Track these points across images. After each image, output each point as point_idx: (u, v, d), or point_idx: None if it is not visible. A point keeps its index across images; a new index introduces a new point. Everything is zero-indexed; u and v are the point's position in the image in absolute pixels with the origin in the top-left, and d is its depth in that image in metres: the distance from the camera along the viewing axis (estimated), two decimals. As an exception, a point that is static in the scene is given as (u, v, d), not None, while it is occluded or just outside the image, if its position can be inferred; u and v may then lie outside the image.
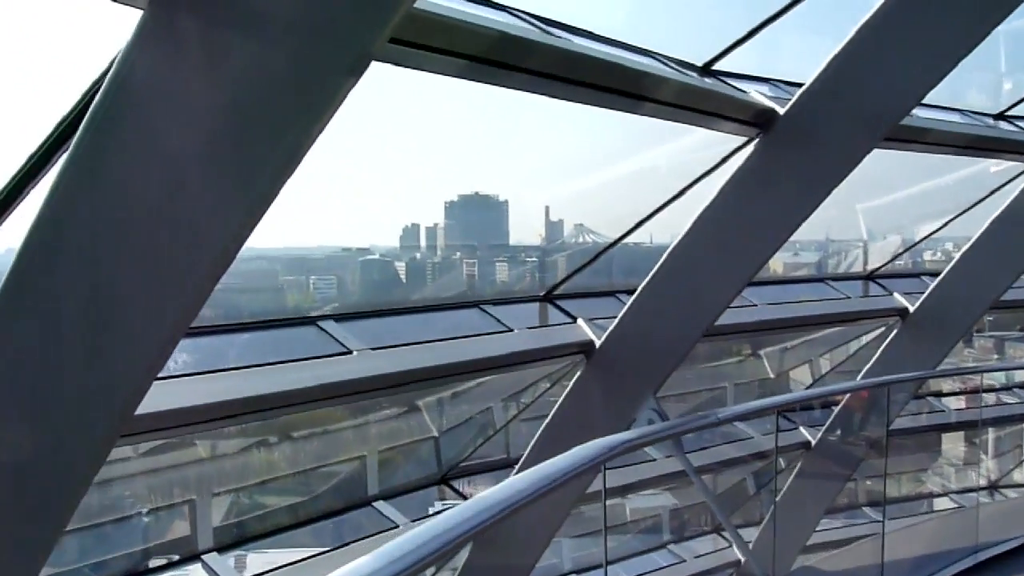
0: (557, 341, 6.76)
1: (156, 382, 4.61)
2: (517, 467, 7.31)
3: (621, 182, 9.14)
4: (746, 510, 10.50)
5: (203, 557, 6.33)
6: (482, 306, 6.81)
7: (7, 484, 3.32)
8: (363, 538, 6.94)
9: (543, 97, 4.67)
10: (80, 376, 3.16)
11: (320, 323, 5.68)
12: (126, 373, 3.16)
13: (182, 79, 2.69)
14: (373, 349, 5.59)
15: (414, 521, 7.35)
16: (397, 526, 7.24)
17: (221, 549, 6.44)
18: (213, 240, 2.89)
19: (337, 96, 2.67)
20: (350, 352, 5.48)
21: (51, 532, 3.45)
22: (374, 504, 7.39)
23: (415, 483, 7.87)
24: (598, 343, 6.79)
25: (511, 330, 6.62)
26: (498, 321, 6.67)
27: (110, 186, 2.87)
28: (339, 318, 5.82)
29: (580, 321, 7.06)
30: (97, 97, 2.70)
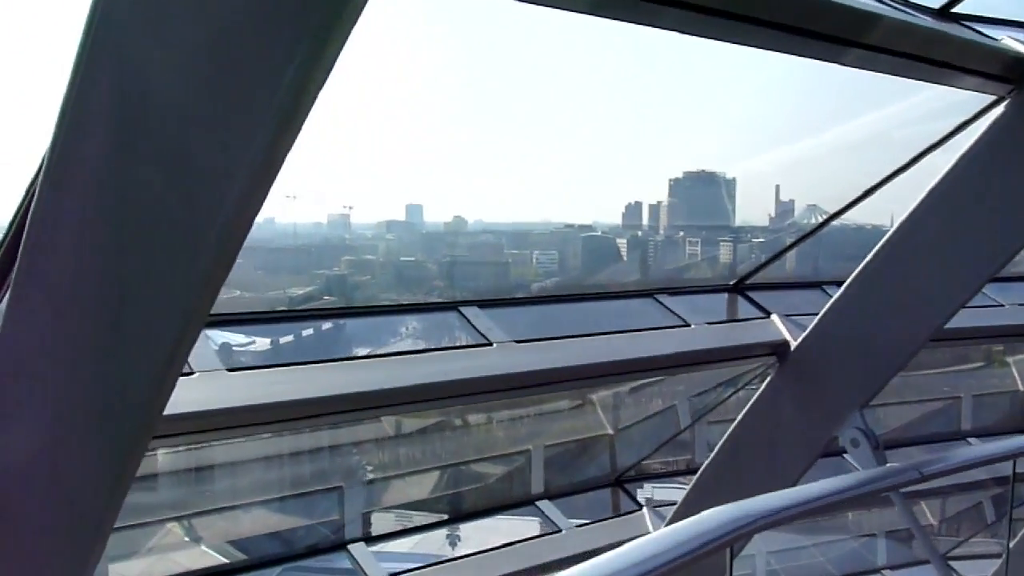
0: (743, 340, 5.70)
1: (279, 368, 4.22)
2: (696, 476, 6.33)
3: (843, 153, 7.81)
4: (981, 543, 8.82)
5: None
6: (657, 296, 5.86)
7: (38, 487, 2.86)
8: (519, 541, 6.25)
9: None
10: (92, 374, 2.61)
11: (463, 309, 5.00)
12: (140, 367, 2.57)
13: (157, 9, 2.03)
14: (517, 342, 4.83)
15: (579, 526, 6.59)
16: (560, 530, 6.50)
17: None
18: (214, 212, 2.21)
19: (342, 23, 1.90)
20: (489, 344, 4.76)
21: (91, 537, 2.97)
22: (537, 503, 6.68)
23: (585, 484, 7.08)
24: (794, 344, 5.66)
25: (687, 324, 5.63)
26: (672, 312, 5.70)
27: (94, 161, 2.28)
28: (486, 304, 5.11)
29: (774, 317, 5.94)
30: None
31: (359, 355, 4.36)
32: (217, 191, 2.21)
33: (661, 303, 5.85)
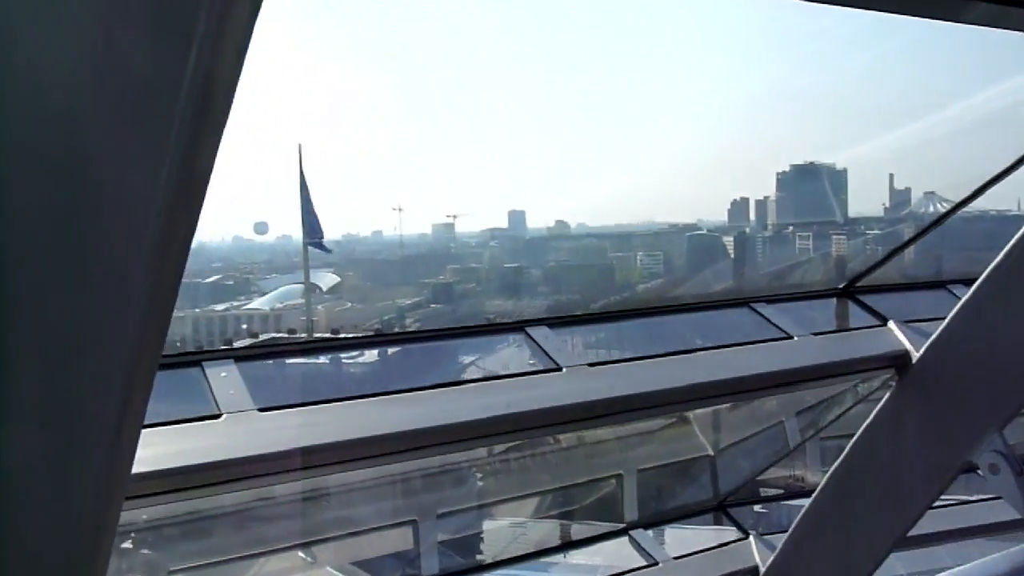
0: (855, 352, 4.94)
1: (316, 407, 3.77)
2: (809, 501, 5.59)
3: (963, 135, 6.88)
4: None
5: None
6: (753, 304, 5.16)
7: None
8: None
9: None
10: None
11: (530, 330, 4.45)
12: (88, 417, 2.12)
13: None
14: (591, 365, 4.25)
15: (678, 558, 5.93)
16: (656, 563, 5.86)
17: None
18: (137, 219, 1.74)
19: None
20: (559, 369, 4.20)
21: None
22: (631, 532, 6.06)
23: (684, 509, 6.40)
24: (916, 355, 4.86)
25: (788, 336, 4.92)
26: (772, 323, 4.99)
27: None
28: (555, 323, 4.54)
29: (892, 324, 5.15)
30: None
31: (405, 388, 3.86)
32: (133, 214, 1.72)
33: (759, 312, 5.14)
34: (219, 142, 1.58)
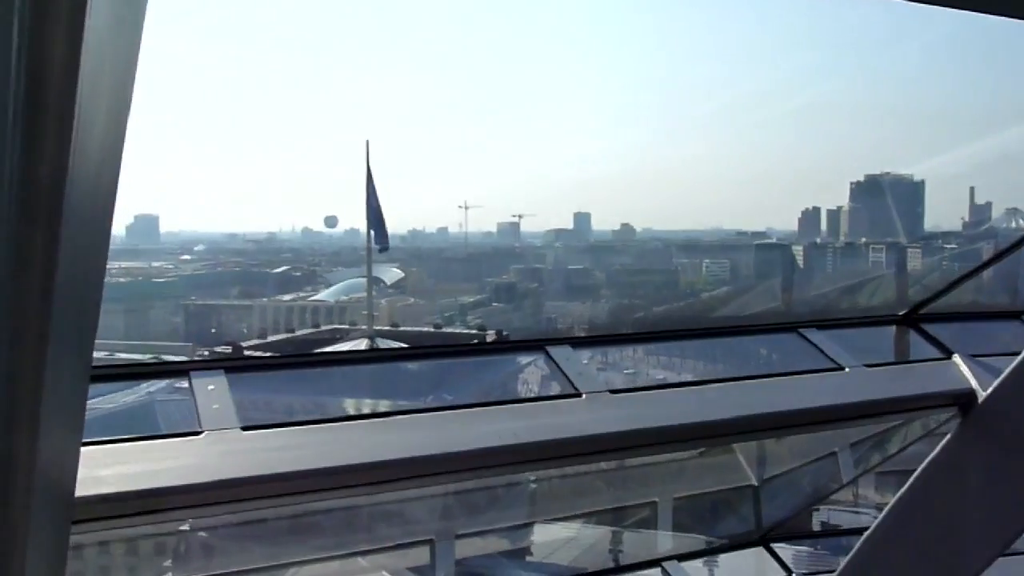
0: (914, 388, 4.43)
1: (303, 428, 3.47)
2: (858, 544, 5.08)
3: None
4: None
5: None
6: (802, 330, 4.68)
7: None
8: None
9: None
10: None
11: (551, 348, 4.07)
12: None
13: None
14: (612, 392, 3.85)
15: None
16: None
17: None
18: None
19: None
20: (578, 394, 3.81)
21: None
22: (664, 564, 5.61)
23: (722, 543, 5.92)
24: (982, 393, 4.32)
25: (839, 367, 4.42)
26: (822, 353, 4.50)
27: None
28: (579, 343, 4.15)
29: (957, 357, 4.61)
30: None
31: (402, 409, 3.52)
32: None
33: (807, 339, 4.66)
34: (65, 133, 1.25)
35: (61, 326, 1.75)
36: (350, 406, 3.99)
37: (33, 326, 1.65)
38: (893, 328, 4.98)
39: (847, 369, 4.44)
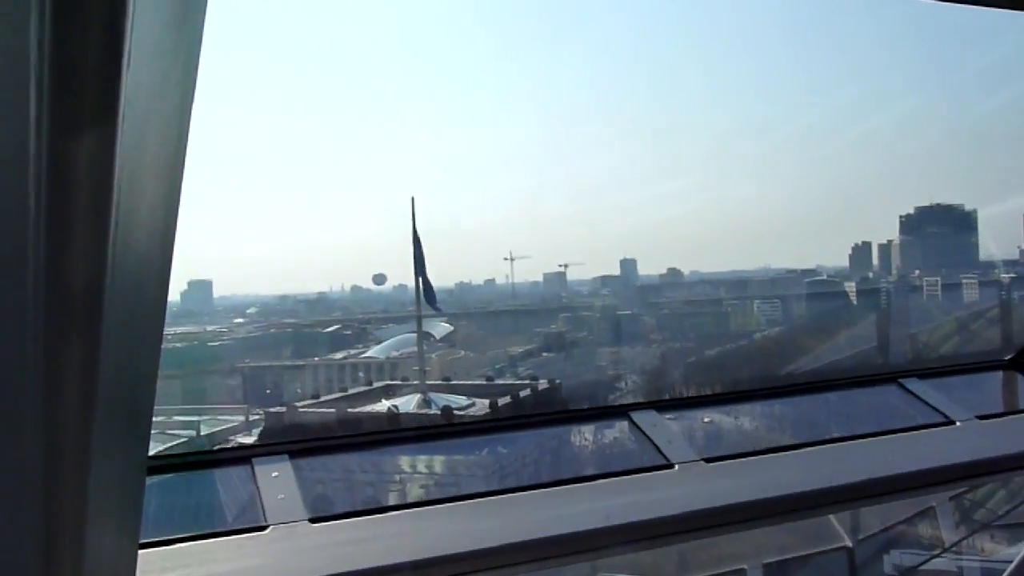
0: (1031, 442, 3.97)
1: (378, 516, 3.15)
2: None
3: None
4: None
5: None
6: (902, 380, 4.26)
7: None
8: None
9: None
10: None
11: (635, 414, 3.71)
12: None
13: None
14: (707, 461, 3.48)
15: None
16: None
17: None
18: None
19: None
20: (670, 466, 3.44)
21: None
22: (757, 636, 5.14)
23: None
24: (1112, 446, 3.86)
25: (951, 422, 4.00)
26: (926, 403, 4.08)
27: None
28: (663, 406, 3.79)
29: (1075, 405, 4.16)
30: None
31: (478, 492, 3.18)
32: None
33: (908, 389, 4.24)
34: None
35: (107, 431, 1.48)
36: (421, 485, 3.66)
37: (71, 437, 1.37)
38: (1000, 374, 4.53)
39: (958, 423, 4.01)
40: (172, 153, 1.17)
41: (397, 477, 3.85)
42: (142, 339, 1.58)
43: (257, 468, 3.11)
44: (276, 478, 3.08)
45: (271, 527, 2.87)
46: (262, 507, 2.94)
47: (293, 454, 3.21)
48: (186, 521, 2.97)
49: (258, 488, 3.02)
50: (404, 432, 3.76)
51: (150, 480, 2.90)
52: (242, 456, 3.18)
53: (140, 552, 2.71)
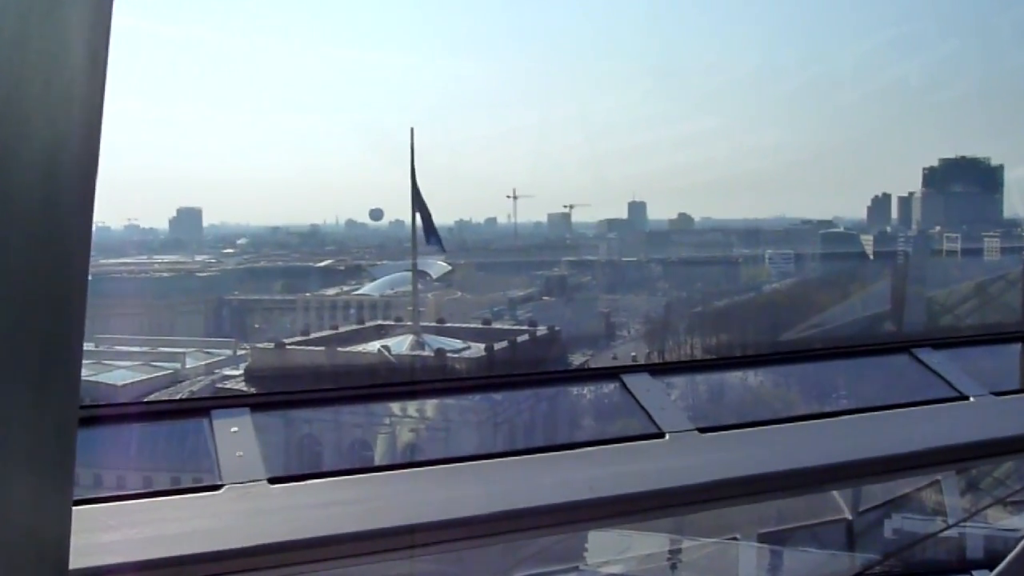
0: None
1: (345, 478, 3.06)
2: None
3: None
4: None
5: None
6: (914, 350, 4.12)
7: None
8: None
9: None
10: None
11: (627, 377, 3.58)
12: None
13: None
14: (701, 431, 3.37)
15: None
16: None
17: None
18: None
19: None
20: (661, 435, 3.33)
21: None
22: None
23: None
24: None
25: (964, 397, 3.87)
26: (943, 379, 3.95)
27: None
28: (659, 370, 3.67)
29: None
30: None
31: (457, 456, 3.07)
32: None
33: (920, 360, 4.11)
34: None
35: (26, 376, 1.36)
36: (398, 445, 3.57)
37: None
38: (1020, 346, 4.40)
39: (971, 398, 3.89)
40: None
41: (370, 435, 3.75)
42: (64, 272, 1.44)
43: (215, 422, 2.99)
44: (235, 434, 2.96)
45: (226, 486, 2.77)
46: (218, 464, 2.83)
47: (255, 407, 3.09)
48: (136, 477, 2.87)
49: (215, 443, 2.91)
50: (379, 389, 3.64)
51: (91, 432, 2.79)
52: (199, 408, 3.07)
53: (82, 509, 2.61)
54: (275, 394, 3.20)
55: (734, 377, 3.87)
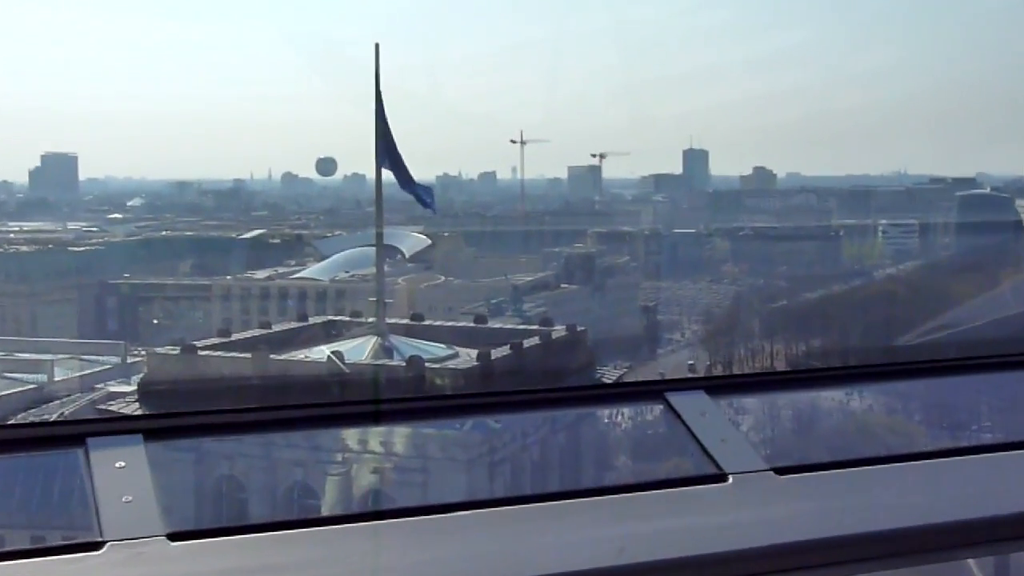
0: None
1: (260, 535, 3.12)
2: None
3: None
4: None
5: None
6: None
7: None
8: None
9: None
10: None
11: (671, 396, 3.64)
12: None
13: None
14: (777, 471, 3.42)
15: None
16: None
17: None
18: None
19: None
20: (722, 476, 3.39)
21: None
22: None
23: None
24: None
25: None
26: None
27: None
28: (719, 387, 3.72)
29: None
30: None
31: (433, 505, 3.13)
32: None
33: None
34: None
35: None
36: (355, 491, 3.63)
37: None
38: None
39: None
40: None
41: (315, 476, 3.81)
42: None
43: (94, 454, 3.03)
44: (122, 471, 3.01)
45: (109, 545, 2.81)
46: (97, 515, 2.88)
47: (151, 435, 3.14)
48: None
49: (93, 485, 2.95)
50: (329, 411, 3.68)
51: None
52: (72, 435, 3.11)
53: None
54: (180, 416, 3.24)
55: (828, 398, 3.91)
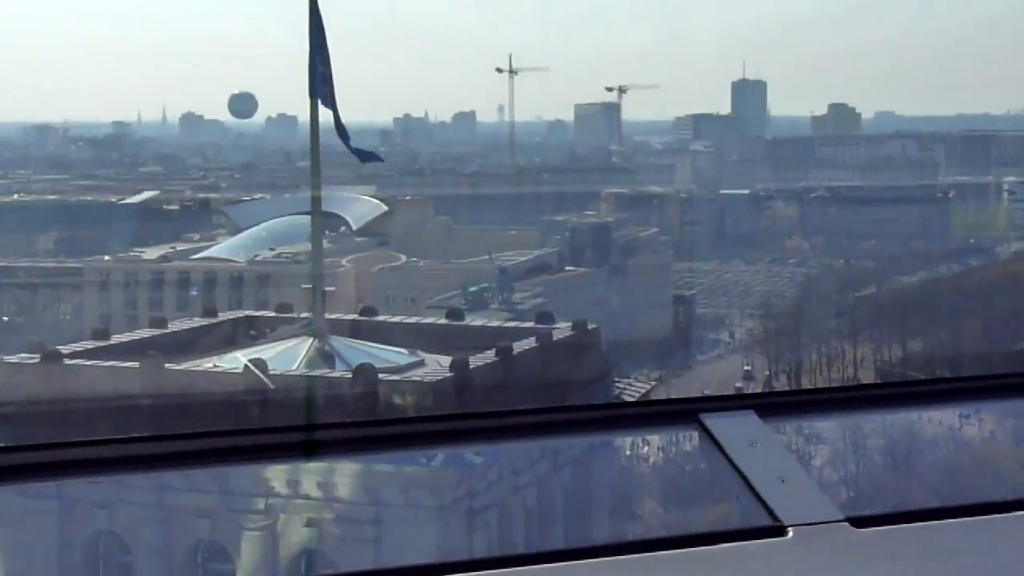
0: None
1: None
2: None
3: None
4: None
5: None
6: None
7: None
8: None
9: None
10: None
11: (707, 419, 3.72)
12: None
13: None
14: (853, 523, 3.51)
15: None
16: None
17: None
18: None
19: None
20: (781, 529, 3.47)
21: None
22: None
23: None
24: None
25: None
26: None
27: None
28: (774, 407, 3.80)
29: None
30: None
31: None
32: None
33: None
34: None
35: None
36: (282, 552, 3.69)
37: None
38: None
39: None
40: None
41: (227, 531, 3.86)
42: None
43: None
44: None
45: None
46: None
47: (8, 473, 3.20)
48: None
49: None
50: (246, 440, 3.74)
51: None
52: None
53: None
54: (37, 450, 3.30)
55: (931, 422, 4.00)
